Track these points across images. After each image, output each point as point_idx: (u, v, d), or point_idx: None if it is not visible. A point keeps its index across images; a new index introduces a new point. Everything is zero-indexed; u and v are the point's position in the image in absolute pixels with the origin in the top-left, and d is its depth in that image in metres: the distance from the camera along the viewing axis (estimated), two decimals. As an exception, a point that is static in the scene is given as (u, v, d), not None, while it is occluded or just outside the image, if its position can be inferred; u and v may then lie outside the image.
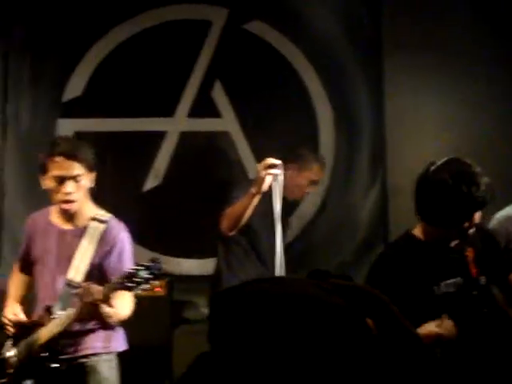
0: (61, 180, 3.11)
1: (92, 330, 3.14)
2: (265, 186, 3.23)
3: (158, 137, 4.77)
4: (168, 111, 4.78)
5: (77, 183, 3.08)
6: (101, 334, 3.15)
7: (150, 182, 4.74)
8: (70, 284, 3.15)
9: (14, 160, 4.78)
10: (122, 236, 3.20)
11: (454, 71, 4.70)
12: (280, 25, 4.78)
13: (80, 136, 4.60)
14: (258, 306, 1.13)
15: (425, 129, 4.71)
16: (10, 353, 3.19)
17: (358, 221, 4.72)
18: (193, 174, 4.77)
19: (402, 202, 4.33)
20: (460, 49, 4.67)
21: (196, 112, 4.80)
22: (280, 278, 2.18)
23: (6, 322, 3.22)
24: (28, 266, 3.32)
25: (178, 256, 4.63)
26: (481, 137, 4.61)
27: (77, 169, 3.10)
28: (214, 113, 4.80)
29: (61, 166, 3.10)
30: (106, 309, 2.97)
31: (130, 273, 2.85)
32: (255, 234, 3.86)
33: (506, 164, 4.54)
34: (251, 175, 4.65)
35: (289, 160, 3.74)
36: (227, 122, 4.81)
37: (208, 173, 4.76)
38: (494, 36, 4.67)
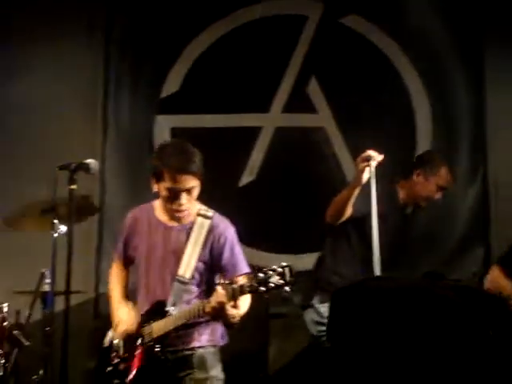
0: (175, 192, 3.15)
1: (199, 324, 3.18)
2: (364, 178, 3.34)
3: (254, 132, 4.83)
4: (263, 107, 4.84)
5: (190, 195, 3.13)
6: (207, 327, 3.19)
7: (246, 178, 4.80)
8: (181, 280, 3.20)
9: (114, 157, 4.93)
10: (230, 231, 3.22)
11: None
12: (377, 18, 4.77)
13: (176, 132, 4.77)
14: (382, 301, 1.14)
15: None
16: (116, 341, 3.28)
17: (457, 218, 4.64)
18: (287, 168, 4.81)
19: (504, 199, 4.23)
20: None
21: (291, 107, 4.85)
22: (397, 277, 2.19)
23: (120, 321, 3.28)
24: (129, 261, 3.38)
25: (272, 251, 4.66)
26: None
27: (191, 182, 3.12)
28: (310, 108, 4.85)
29: (176, 180, 3.12)
30: (231, 311, 3.00)
31: (263, 277, 2.85)
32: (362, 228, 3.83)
33: None
34: (346, 170, 4.71)
35: (416, 166, 3.82)
36: (323, 118, 4.84)
37: (303, 168, 4.78)
38: None
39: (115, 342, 3.31)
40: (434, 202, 3.99)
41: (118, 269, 3.46)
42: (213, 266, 3.23)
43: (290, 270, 2.87)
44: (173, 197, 3.13)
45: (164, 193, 3.14)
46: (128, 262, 3.41)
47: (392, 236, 3.72)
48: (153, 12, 4.92)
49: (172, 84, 4.92)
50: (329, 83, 4.82)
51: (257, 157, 4.84)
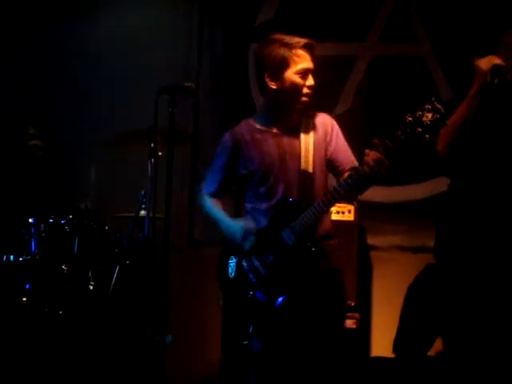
0: (305, 73, 3.28)
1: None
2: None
3: (349, 61, 4.99)
4: (360, 36, 4.98)
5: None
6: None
7: (340, 107, 4.97)
8: (305, 175, 3.35)
9: (208, 84, 5.17)
10: (333, 121, 3.41)
11: None
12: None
13: None
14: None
15: None
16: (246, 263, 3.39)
17: None
18: (382, 99, 4.94)
19: None
20: None
21: (388, 37, 4.96)
22: None
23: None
24: (229, 185, 3.52)
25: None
26: None
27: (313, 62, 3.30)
28: (407, 38, 4.94)
29: (306, 59, 3.28)
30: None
31: (410, 121, 2.95)
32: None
33: None
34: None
35: None
36: (421, 48, 4.92)
37: (399, 99, 4.86)
38: None
39: (245, 264, 3.41)
40: None
41: (213, 199, 3.57)
42: (327, 154, 3.38)
43: (438, 102, 2.94)
44: (303, 78, 3.26)
45: (294, 78, 3.25)
46: (225, 189, 3.54)
47: None
48: None
49: (267, 12, 5.07)
50: (428, 13, 4.87)
51: (351, 86, 4.98)
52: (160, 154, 3.98)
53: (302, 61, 3.28)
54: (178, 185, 3.86)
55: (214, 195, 3.56)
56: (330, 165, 3.42)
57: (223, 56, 5.25)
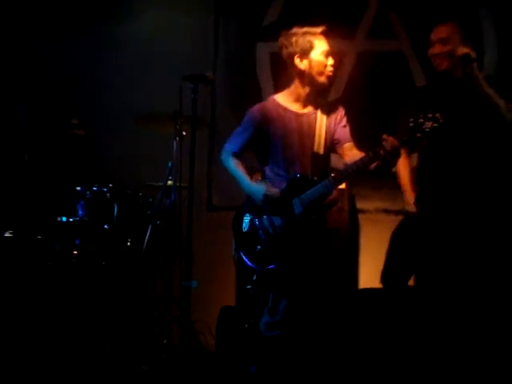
0: (327, 54, 3.64)
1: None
2: None
3: (340, 55, 5.04)
4: (349, 34, 5.23)
5: None
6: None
7: (333, 95, 5.18)
8: (317, 155, 3.65)
9: (223, 74, 5.41)
10: (342, 109, 3.79)
11: None
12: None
13: (274, 56, 5.18)
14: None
15: None
16: (260, 220, 3.66)
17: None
18: (369, 87, 5.18)
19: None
20: None
21: (373, 35, 5.23)
22: None
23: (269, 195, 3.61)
24: (248, 148, 3.75)
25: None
26: None
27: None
28: (389, 34, 5.19)
29: (325, 43, 3.63)
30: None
31: (412, 126, 3.20)
32: None
33: None
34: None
35: None
36: (400, 43, 5.20)
37: (382, 86, 5.13)
38: None
39: (257, 221, 3.65)
40: None
41: (235, 159, 3.77)
42: (335, 137, 3.71)
43: (439, 113, 3.15)
44: (326, 57, 3.61)
45: (319, 57, 3.59)
46: (244, 153, 3.76)
47: None
48: None
49: (272, 14, 5.36)
50: (407, 14, 5.15)
51: (341, 79, 5.22)
52: (184, 133, 4.32)
53: (323, 44, 3.63)
54: (198, 160, 4.04)
55: (236, 154, 3.75)
56: (334, 142, 3.74)
57: (236, 50, 5.44)
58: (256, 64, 5.41)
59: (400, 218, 4.29)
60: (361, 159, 3.40)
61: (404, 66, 5.24)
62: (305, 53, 3.60)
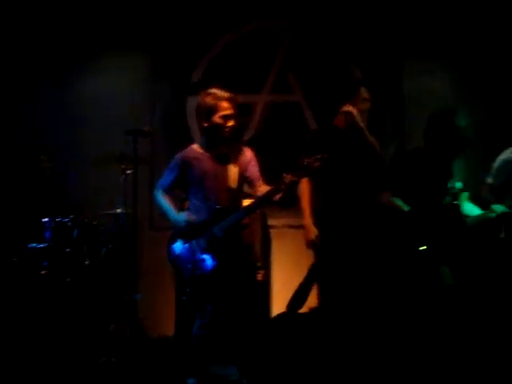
0: (226, 117, 3.82)
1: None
2: None
3: (251, 106, 6.05)
4: (257, 89, 6.09)
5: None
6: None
7: (246, 135, 6.06)
8: (230, 190, 3.91)
9: (160, 126, 6.13)
10: (251, 151, 4.05)
11: None
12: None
13: None
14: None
15: None
16: (187, 245, 3.88)
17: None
18: (274, 130, 5.98)
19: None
20: None
21: (275, 89, 6.09)
22: None
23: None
24: (175, 187, 3.99)
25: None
26: None
27: (234, 109, 3.85)
28: (288, 89, 6.07)
29: (228, 108, 3.83)
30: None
31: (304, 165, 3.55)
32: None
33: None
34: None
35: None
36: (296, 95, 6.10)
37: (284, 129, 5.96)
38: None
39: (187, 245, 3.87)
40: None
41: (164, 194, 4.05)
42: (246, 175, 3.97)
43: (324, 156, 3.48)
44: (226, 120, 3.79)
45: (218, 120, 3.80)
46: (173, 189, 4.01)
47: None
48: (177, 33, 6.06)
49: (197, 74, 6.14)
50: (302, 74, 6.01)
51: (253, 122, 6.03)
52: (128, 171, 5.00)
53: (224, 109, 3.83)
54: (141, 191, 4.75)
55: (165, 190, 4.01)
56: (245, 179, 4.00)
57: (169, 105, 6.09)
58: (186, 114, 6.12)
59: (301, 231, 4.62)
60: (267, 192, 3.74)
61: (300, 113, 6.15)
62: (208, 115, 3.86)
